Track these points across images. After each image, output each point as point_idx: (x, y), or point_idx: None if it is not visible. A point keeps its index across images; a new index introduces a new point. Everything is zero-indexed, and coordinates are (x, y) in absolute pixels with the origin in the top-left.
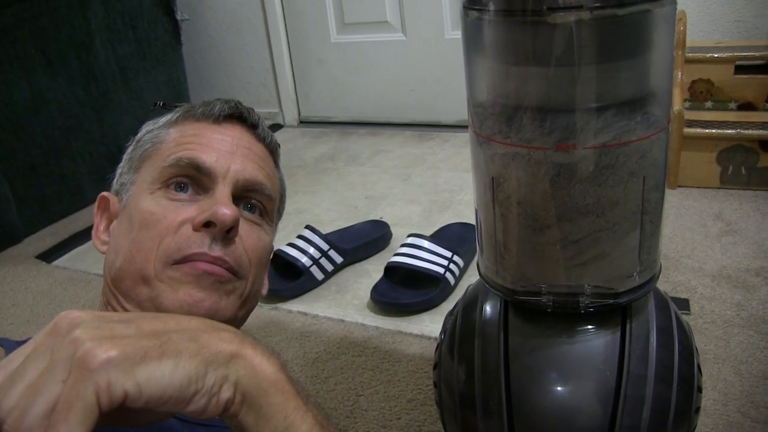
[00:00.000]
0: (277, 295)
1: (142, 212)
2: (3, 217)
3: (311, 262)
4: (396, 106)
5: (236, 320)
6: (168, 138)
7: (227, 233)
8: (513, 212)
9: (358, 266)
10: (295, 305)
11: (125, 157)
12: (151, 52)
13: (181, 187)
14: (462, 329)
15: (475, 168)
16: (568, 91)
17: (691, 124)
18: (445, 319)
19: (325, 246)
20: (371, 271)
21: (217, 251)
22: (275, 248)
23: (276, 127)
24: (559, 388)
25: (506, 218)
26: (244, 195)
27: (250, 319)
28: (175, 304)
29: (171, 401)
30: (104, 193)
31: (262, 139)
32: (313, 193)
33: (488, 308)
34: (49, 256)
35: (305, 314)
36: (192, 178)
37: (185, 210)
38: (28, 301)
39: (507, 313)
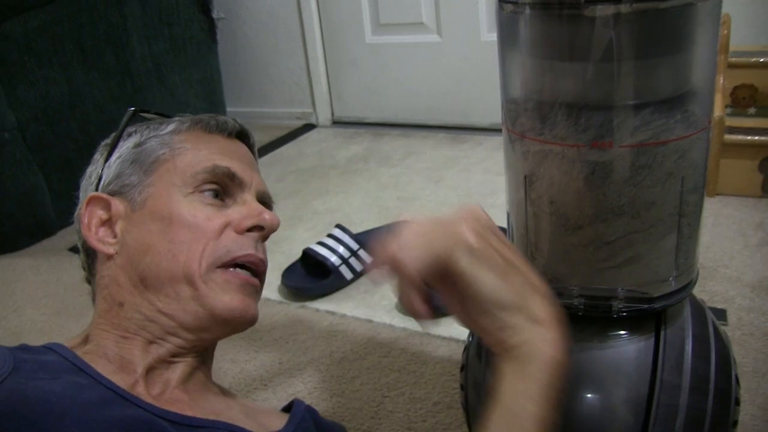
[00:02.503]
0: (305, 294)
1: (180, 213)
2: (39, 210)
3: (340, 262)
4: (429, 108)
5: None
6: (185, 145)
7: (264, 238)
8: (545, 212)
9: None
10: (323, 304)
11: (118, 160)
12: (186, 50)
13: (216, 194)
14: None
15: (508, 166)
16: (605, 88)
17: (732, 130)
18: None
19: (355, 245)
20: None
21: (261, 253)
22: (306, 247)
23: (309, 127)
24: (588, 395)
25: (538, 218)
26: None
27: (276, 317)
28: (225, 305)
29: (477, 307)
30: (96, 194)
31: (255, 157)
32: (344, 193)
33: None
34: None
35: (333, 313)
36: (223, 185)
37: (222, 214)
38: (60, 293)
39: None
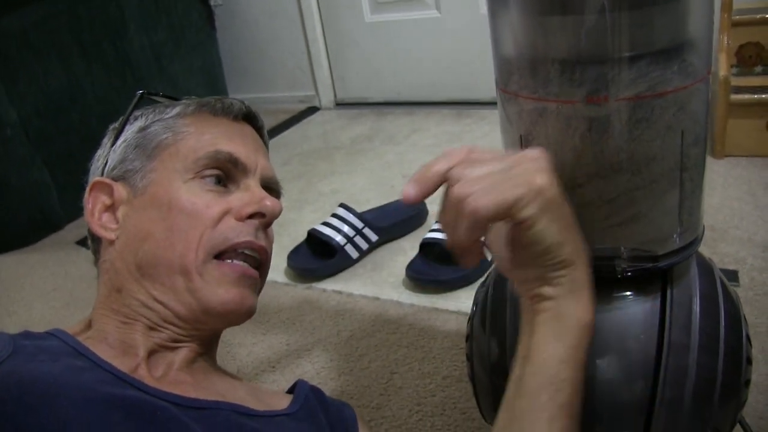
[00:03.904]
0: (311, 275)
1: (179, 200)
2: (44, 204)
3: (345, 241)
4: (432, 85)
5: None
6: (189, 129)
7: (266, 225)
8: None
9: (394, 244)
10: (329, 284)
11: (123, 144)
12: (185, 39)
13: (218, 180)
14: (494, 299)
15: (503, 128)
16: (598, 40)
17: (739, 90)
18: (477, 290)
19: (359, 224)
20: (407, 248)
21: (262, 240)
22: (311, 228)
23: (313, 110)
24: (595, 359)
25: None
26: (264, 190)
27: (283, 299)
28: (217, 299)
29: (530, 256)
30: (100, 179)
31: (264, 140)
32: (349, 173)
33: None
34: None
35: (340, 293)
36: (225, 171)
37: (223, 201)
38: (68, 286)
39: None
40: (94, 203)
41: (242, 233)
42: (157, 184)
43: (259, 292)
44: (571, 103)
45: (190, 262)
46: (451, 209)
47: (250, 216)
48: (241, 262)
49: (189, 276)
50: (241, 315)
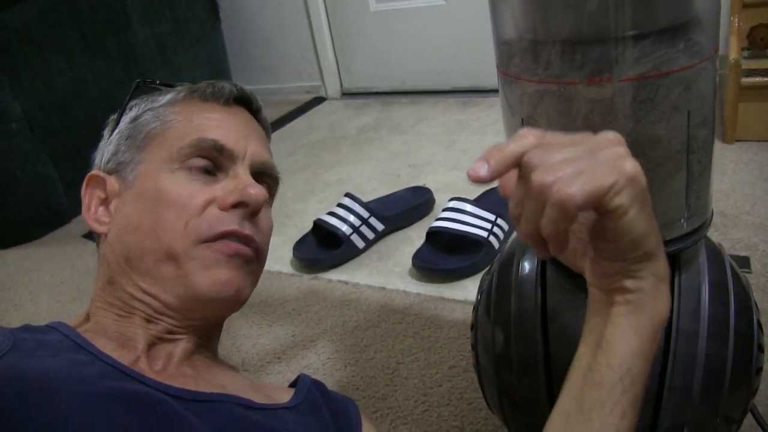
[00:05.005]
0: (317, 265)
1: (164, 191)
2: (51, 199)
3: (351, 231)
4: (438, 73)
5: (244, 303)
6: (177, 117)
7: (254, 214)
8: None
9: (400, 233)
10: (335, 274)
11: (117, 135)
12: (189, 31)
13: (205, 169)
14: (498, 288)
15: (504, 112)
16: (600, 19)
17: (750, 73)
18: (482, 278)
19: (365, 213)
20: (414, 237)
21: (248, 229)
22: (316, 218)
23: (319, 100)
24: None
25: None
26: (257, 177)
27: (288, 290)
28: (207, 281)
29: (615, 248)
30: (95, 172)
31: (263, 123)
32: (355, 163)
33: (525, 264)
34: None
35: (346, 283)
36: (212, 159)
37: (208, 190)
38: (75, 280)
39: (545, 269)
40: (90, 198)
41: (226, 222)
42: (145, 175)
43: (256, 281)
44: (573, 85)
45: (178, 248)
46: (533, 198)
47: (235, 206)
48: (235, 241)
49: (178, 261)
50: (230, 298)
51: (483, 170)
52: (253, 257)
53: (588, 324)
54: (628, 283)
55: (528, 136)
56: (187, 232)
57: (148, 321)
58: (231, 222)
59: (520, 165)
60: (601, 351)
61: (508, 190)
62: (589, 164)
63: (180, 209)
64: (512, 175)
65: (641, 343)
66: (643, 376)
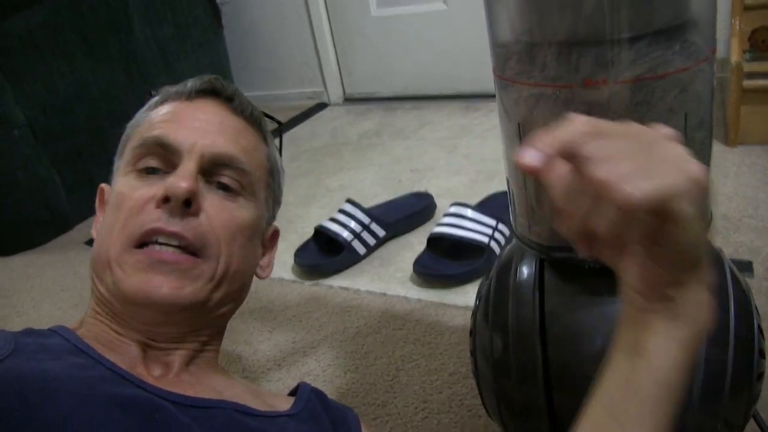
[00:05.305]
0: (318, 271)
1: (115, 194)
2: (53, 204)
3: (353, 237)
4: (440, 78)
5: (211, 303)
6: (145, 120)
7: (187, 208)
8: None
9: (402, 239)
10: (336, 280)
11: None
12: (191, 36)
13: (151, 169)
14: (496, 292)
15: (501, 116)
16: (596, 21)
17: (752, 76)
18: (481, 283)
19: (366, 220)
20: (415, 243)
21: (174, 226)
22: (318, 224)
23: (321, 106)
24: (598, 352)
25: None
26: (215, 170)
27: (289, 296)
28: (132, 289)
29: (666, 254)
30: (102, 185)
31: (239, 112)
32: (357, 169)
33: (524, 269)
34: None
35: (347, 289)
36: (159, 157)
37: (150, 189)
38: (77, 286)
39: (543, 274)
40: (99, 208)
41: (153, 219)
42: (115, 181)
43: (212, 279)
44: (569, 88)
45: (111, 255)
46: (587, 192)
47: (166, 201)
48: (159, 247)
49: (111, 268)
50: (158, 303)
51: (531, 156)
52: (191, 262)
53: (622, 330)
54: (672, 290)
55: (580, 122)
56: (122, 233)
57: (125, 326)
58: (157, 219)
59: (571, 154)
60: (639, 360)
61: (552, 180)
62: (652, 162)
63: (122, 211)
64: (556, 164)
65: (682, 354)
66: (680, 389)
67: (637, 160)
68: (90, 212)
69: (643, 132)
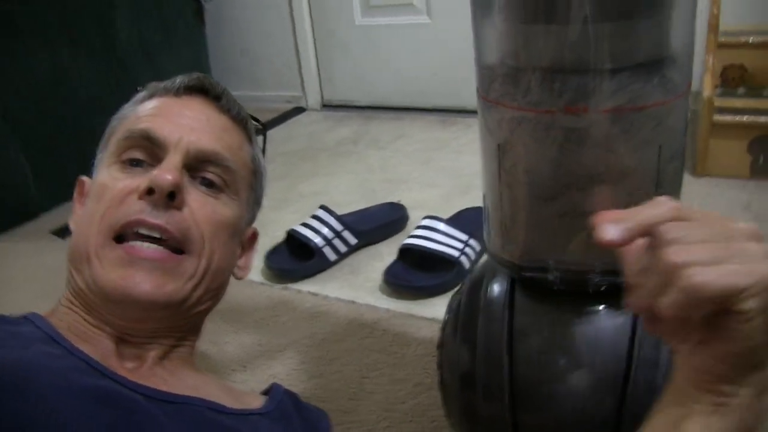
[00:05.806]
0: (288, 275)
1: (97, 185)
2: (20, 192)
3: (324, 243)
4: (420, 91)
5: (191, 301)
6: (132, 114)
7: (171, 201)
8: (519, 181)
9: (372, 248)
10: (306, 285)
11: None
12: (175, 32)
13: (135, 161)
14: (467, 308)
15: (482, 136)
16: (580, 51)
17: (722, 111)
18: (452, 298)
19: (339, 227)
20: (385, 253)
21: (157, 218)
22: (290, 229)
23: (299, 110)
24: (564, 372)
25: (512, 188)
26: (200, 167)
27: (258, 299)
28: (111, 284)
29: (721, 350)
30: (82, 177)
31: (226, 111)
32: (332, 175)
33: (495, 286)
34: (64, 232)
35: (315, 294)
36: (145, 150)
37: (135, 180)
38: (42, 276)
39: (514, 292)
40: (77, 200)
41: (135, 211)
42: (98, 173)
43: (194, 275)
44: (551, 113)
45: (90, 247)
46: (660, 274)
47: (150, 193)
48: (139, 243)
49: (90, 262)
50: (137, 300)
51: (613, 233)
52: (174, 260)
53: (663, 413)
54: (726, 387)
55: (666, 206)
56: (102, 224)
57: (100, 320)
58: (140, 210)
59: (650, 234)
60: None
61: (629, 256)
62: (727, 254)
63: (103, 201)
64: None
65: None
66: None
67: (713, 252)
68: (60, 201)
69: (725, 224)
